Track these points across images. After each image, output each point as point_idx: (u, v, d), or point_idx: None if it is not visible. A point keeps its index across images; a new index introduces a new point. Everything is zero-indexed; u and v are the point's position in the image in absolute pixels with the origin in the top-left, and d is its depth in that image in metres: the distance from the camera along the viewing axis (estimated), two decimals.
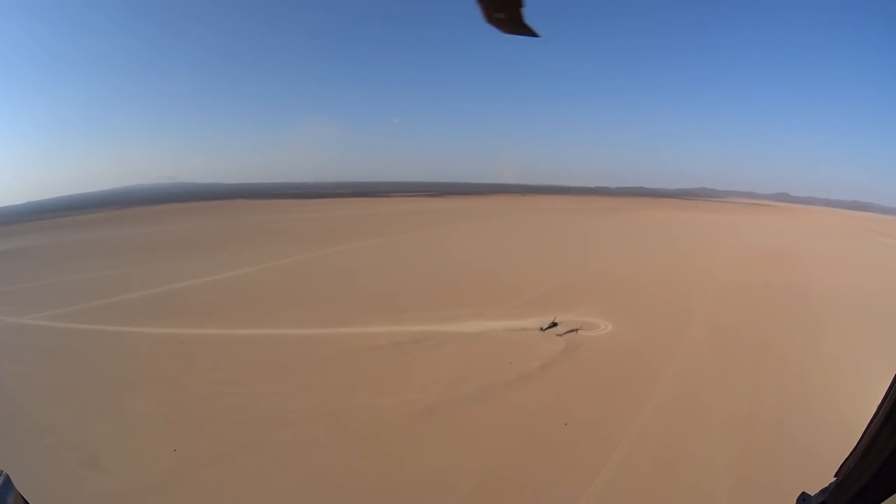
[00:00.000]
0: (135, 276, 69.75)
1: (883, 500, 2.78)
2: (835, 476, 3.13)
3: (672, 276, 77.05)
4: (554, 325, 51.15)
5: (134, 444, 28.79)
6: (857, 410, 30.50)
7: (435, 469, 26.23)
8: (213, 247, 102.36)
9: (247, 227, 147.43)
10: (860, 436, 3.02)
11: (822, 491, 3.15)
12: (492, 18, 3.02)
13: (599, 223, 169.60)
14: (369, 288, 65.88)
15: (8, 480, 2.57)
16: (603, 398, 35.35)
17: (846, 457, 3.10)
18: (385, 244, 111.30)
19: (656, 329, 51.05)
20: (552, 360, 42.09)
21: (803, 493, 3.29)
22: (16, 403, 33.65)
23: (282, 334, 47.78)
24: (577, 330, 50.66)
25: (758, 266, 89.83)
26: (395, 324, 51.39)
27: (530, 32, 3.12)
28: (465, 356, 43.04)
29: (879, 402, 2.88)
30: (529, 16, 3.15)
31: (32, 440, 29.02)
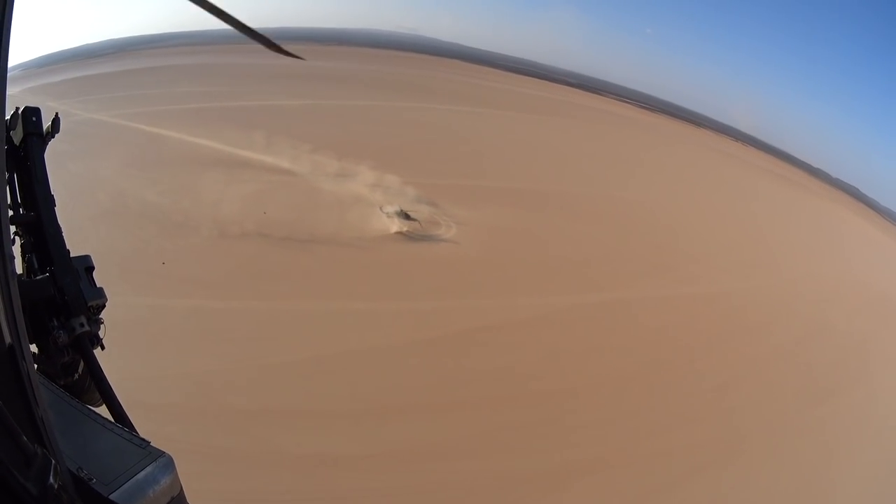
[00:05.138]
0: (214, 94, 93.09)
1: None
2: None
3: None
4: (406, 216, 39.63)
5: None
6: None
7: None
8: (329, 84, 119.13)
9: (408, 77, 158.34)
10: None
11: None
12: (269, 48, 3.91)
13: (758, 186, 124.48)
14: (359, 132, 70.00)
15: (170, 463, 2.38)
16: None
17: None
18: (480, 115, 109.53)
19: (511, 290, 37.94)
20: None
21: None
22: None
23: (198, 143, 61.71)
24: (413, 218, 38.40)
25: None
26: (287, 160, 56.78)
27: (297, 56, 4.15)
28: (248, 193, 42.94)
29: None
30: None
31: None
